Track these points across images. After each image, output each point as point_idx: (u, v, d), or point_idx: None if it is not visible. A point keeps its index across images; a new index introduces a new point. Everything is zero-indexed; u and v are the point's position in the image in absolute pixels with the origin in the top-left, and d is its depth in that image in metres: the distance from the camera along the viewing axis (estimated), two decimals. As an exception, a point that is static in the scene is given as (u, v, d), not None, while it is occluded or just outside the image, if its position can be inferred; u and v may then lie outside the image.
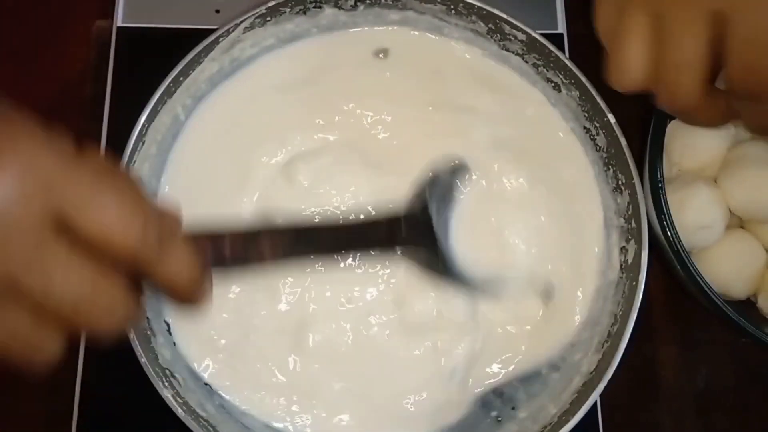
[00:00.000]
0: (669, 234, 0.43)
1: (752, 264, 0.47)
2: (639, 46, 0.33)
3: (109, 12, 0.52)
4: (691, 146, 0.47)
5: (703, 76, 0.33)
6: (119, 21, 0.52)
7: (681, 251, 0.43)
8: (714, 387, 0.50)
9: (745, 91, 0.32)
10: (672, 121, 0.47)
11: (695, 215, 0.45)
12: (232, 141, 0.47)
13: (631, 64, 0.33)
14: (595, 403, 0.45)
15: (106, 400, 0.46)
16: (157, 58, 0.45)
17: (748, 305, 0.48)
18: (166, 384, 0.40)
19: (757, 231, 0.47)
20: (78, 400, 0.46)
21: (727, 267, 0.46)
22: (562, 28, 0.53)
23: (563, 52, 0.45)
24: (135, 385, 0.40)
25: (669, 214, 0.43)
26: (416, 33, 0.49)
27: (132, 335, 0.40)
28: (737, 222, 0.48)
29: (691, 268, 0.43)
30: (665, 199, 0.43)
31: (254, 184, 0.46)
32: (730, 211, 0.47)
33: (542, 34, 0.46)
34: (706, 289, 0.43)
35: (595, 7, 0.36)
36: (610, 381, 0.41)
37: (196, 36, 0.45)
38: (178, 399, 0.40)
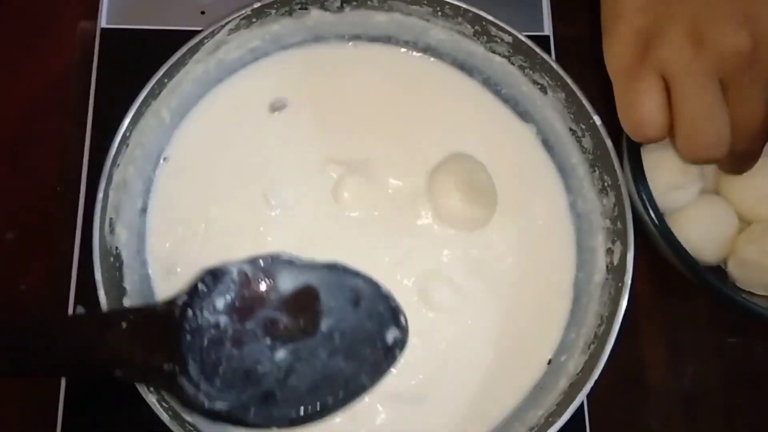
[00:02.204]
0: (640, 190, 0.43)
1: (724, 228, 0.47)
2: (654, 104, 0.36)
3: (93, 13, 0.52)
4: None
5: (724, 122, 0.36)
6: (103, 22, 0.52)
7: (652, 210, 0.43)
8: (701, 387, 0.50)
9: None
10: None
11: (669, 175, 0.46)
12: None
13: (646, 119, 0.36)
14: (582, 404, 0.45)
15: (92, 405, 0.46)
16: (142, 59, 0.44)
17: (718, 272, 0.48)
18: (151, 389, 0.40)
19: (732, 197, 0.47)
20: (62, 406, 0.46)
21: (699, 230, 0.46)
22: (548, 30, 0.54)
23: (549, 54, 0.46)
24: (120, 389, 0.40)
25: (643, 172, 0.44)
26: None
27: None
28: (713, 188, 0.48)
29: (661, 226, 0.43)
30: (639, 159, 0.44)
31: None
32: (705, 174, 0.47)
33: (528, 36, 0.46)
34: (677, 247, 0.43)
35: (605, 42, 0.37)
36: (596, 382, 0.41)
37: (181, 37, 0.45)
38: (164, 404, 0.40)
